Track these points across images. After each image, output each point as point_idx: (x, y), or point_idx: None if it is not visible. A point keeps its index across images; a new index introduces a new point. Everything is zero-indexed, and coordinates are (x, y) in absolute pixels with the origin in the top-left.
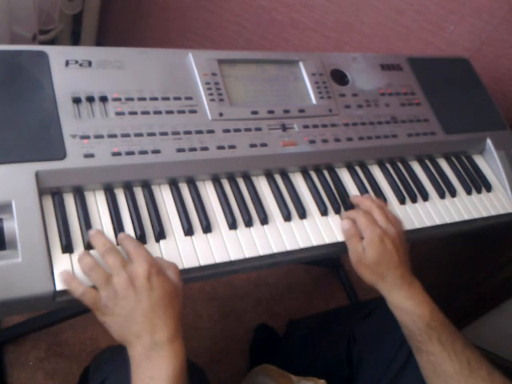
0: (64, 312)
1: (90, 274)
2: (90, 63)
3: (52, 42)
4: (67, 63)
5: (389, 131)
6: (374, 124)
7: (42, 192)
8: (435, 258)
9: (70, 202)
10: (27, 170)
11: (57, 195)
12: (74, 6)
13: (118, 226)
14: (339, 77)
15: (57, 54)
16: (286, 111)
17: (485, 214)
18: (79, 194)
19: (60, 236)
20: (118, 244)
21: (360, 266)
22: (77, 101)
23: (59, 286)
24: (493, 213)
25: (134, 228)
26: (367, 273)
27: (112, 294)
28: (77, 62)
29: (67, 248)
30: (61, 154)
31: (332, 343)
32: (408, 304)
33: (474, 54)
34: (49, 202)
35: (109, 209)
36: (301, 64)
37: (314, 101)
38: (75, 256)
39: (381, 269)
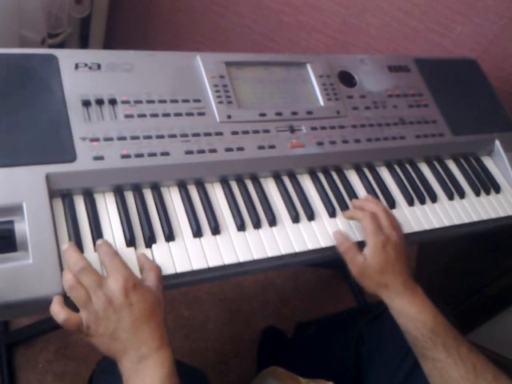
0: None
1: (70, 293)
2: (99, 66)
3: (60, 45)
4: (77, 66)
5: (397, 133)
6: (382, 125)
7: (52, 194)
8: (441, 260)
9: (80, 204)
10: (38, 172)
11: (67, 197)
12: (82, 10)
13: (128, 228)
14: (347, 78)
15: (66, 58)
16: (294, 113)
17: (494, 216)
18: (89, 196)
19: (70, 238)
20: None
21: (363, 277)
22: (86, 103)
23: None
24: (502, 214)
25: (143, 230)
26: (370, 282)
27: (93, 314)
28: (86, 65)
29: None
30: (71, 157)
31: (340, 345)
32: (411, 310)
33: (481, 54)
34: (59, 204)
35: (118, 211)
36: (308, 66)
37: (321, 102)
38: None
39: (384, 277)
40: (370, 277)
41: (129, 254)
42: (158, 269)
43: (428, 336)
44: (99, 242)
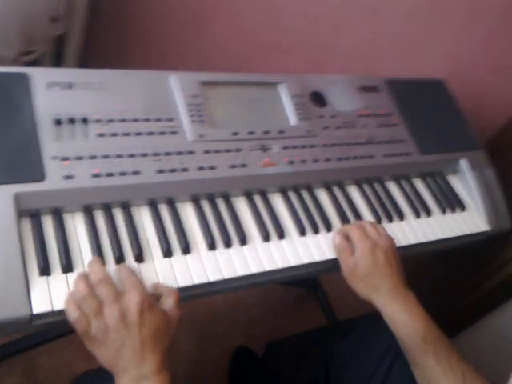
0: (39, 337)
1: (81, 303)
2: (71, 85)
3: (34, 63)
4: (48, 85)
5: (366, 152)
6: (352, 145)
7: (20, 214)
8: (416, 275)
9: (48, 224)
10: (6, 192)
11: (35, 217)
12: (56, 28)
13: (97, 248)
14: (318, 99)
15: (38, 76)
16: (266, 132)
17: (459, 233)
18: (58, 216)
19: (37, 258)
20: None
21: (353, 279)
22: (58, 122)
23: (36, 310)
24: (467, 232)
25: (113, 250)
26: (360, 285)
27: (103, 326)
28: (58, 83)
29: (44, 271)
30: (40, 176)
31: (310, 364)
32: (403, 317)
33: (450, 75)
34: (27, 224)
35: (87, 231)
36: (281, 86)
37: (293, 122)
38: (52, 279)
39: (373, 280)
40: (360, 278)
41: None
42: (177, 294)
43: (419, 343)
44: (119, 266)
